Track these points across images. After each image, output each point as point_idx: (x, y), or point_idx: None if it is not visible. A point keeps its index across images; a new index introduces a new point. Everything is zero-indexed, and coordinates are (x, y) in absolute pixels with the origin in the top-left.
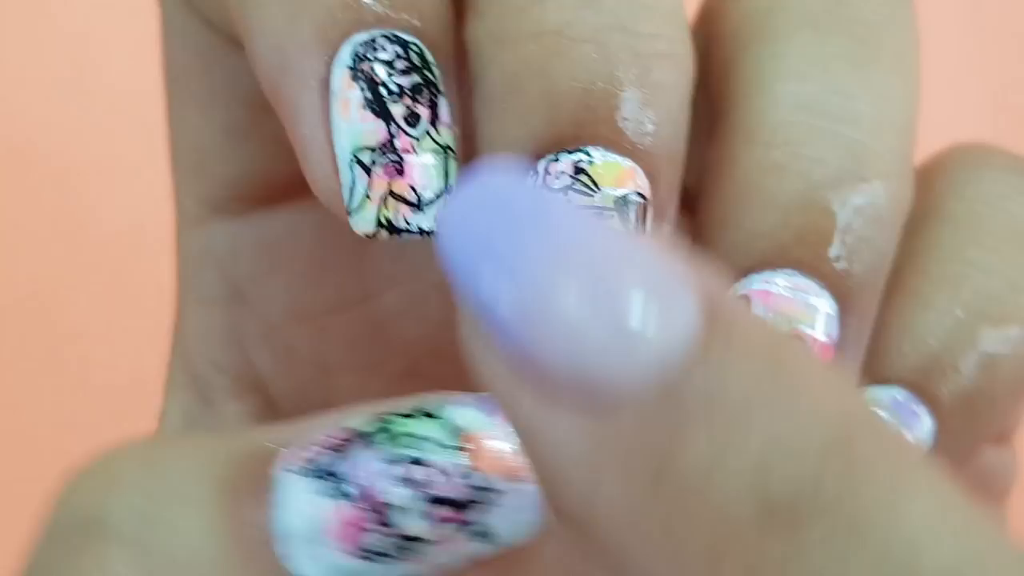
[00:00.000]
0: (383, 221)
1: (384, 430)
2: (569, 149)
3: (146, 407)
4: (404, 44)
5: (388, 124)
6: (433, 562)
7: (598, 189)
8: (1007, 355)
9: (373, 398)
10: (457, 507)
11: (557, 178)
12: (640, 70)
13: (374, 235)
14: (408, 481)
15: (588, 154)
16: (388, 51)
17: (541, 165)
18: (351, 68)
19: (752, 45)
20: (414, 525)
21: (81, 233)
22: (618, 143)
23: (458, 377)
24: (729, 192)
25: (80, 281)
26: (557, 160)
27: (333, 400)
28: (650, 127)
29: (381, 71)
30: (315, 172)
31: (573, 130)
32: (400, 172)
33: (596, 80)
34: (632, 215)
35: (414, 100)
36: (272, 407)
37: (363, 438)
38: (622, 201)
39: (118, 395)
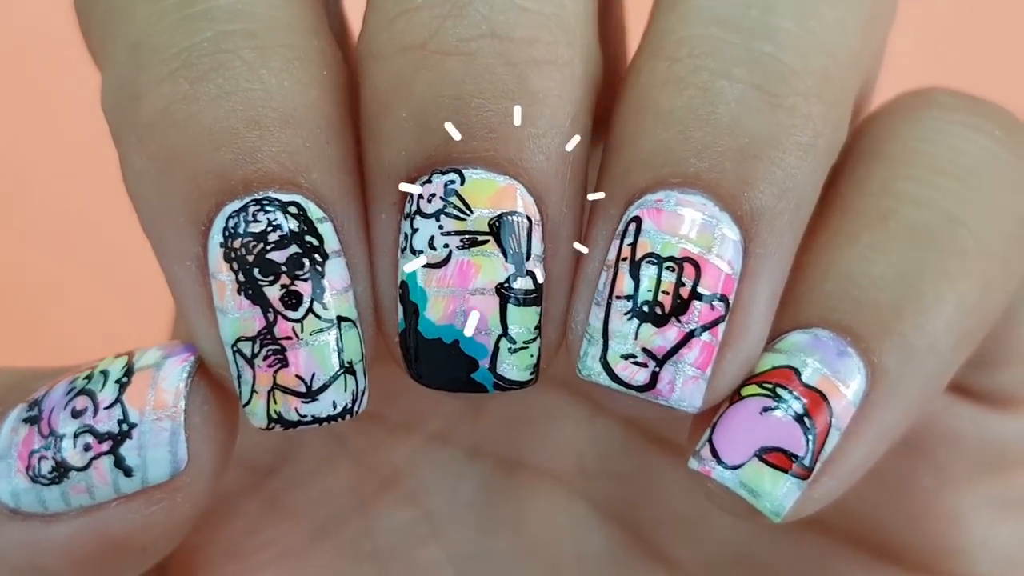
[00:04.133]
0: (274, 415)
1: (92, 367)
2: (442, 170)
3: None
4: (282, 207)
5: (265, 311)
6: (83, 491)
7: (470, 212)
8: (947, 295)
9: None
10: (100, 437)
11: (429, 202)
12: (515, 80)
13: (269, 429)
14: (73, 410)
15: (460, 173)
16: (260, 221)
17: (415, 189)
18: (222, 246)
19: None
20: (68, 451)
21: (69, 225)
22: (493, 161)
23: None
24: (628, 108)
25: (69, 273)
26: (430, 181)
27: None
28: (529, 141)
29: (253, 249)
30: (208, 359)
31: (444, 148)
32: (283, 363)
33: (465, 95)
34: (515, 237)
35: (292, 278)
36: None
37: (75, 373)
38: (499, 222)
39: None
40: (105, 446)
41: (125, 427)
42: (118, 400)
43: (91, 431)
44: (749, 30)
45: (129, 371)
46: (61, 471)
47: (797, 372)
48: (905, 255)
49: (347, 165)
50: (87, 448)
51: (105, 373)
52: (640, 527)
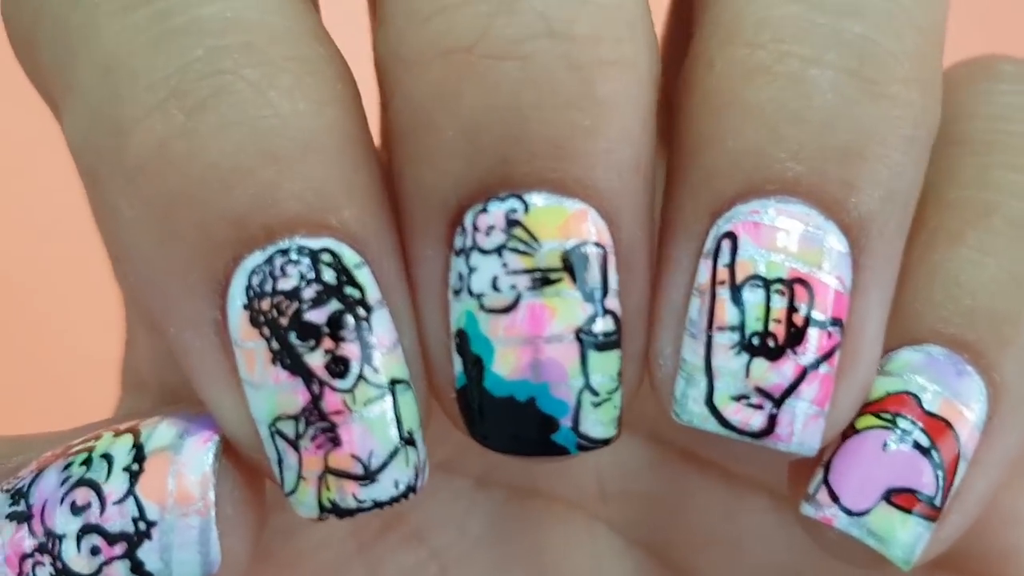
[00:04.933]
0: (327, 504)
1: (89, 448)
2: (500, 196)
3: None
4: (313, 256)
5: (308, 382)
6: None
7: (538, 244)
8: None
9: None
10: (111, 539)
11: (488, 235)
12: (580, 85)
13: (321, 520)
14: (72, 505)
15: (523, 200)
16: (291, 275)
17: (468, 219)
18: (247, 307)
19: None
20: (71, 556)
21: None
22: (560, 183)
23: None
24: (705, 105)
25: (45, 269)
26: (486, 211)
27: None
28: (600, 157)
29: (286, 310)
30: (236, 442)
31: (501, 171)
32: (335, 442)
33: (523, 106)
34: (591, 270)
35: (336, 339)
36: None
37: (67, 456)
38: (572, 255)
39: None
40: (119, 549)
41: (142, 526)
42: (130, 493)
43: (99, 531)
44: (835, 7)
45: (139, 455)
46: None
47: (916, 398)
48: (1017, 255)
49: (379, 195)
50: (95, 551)
51: (108, 458)
52: (669, 553)
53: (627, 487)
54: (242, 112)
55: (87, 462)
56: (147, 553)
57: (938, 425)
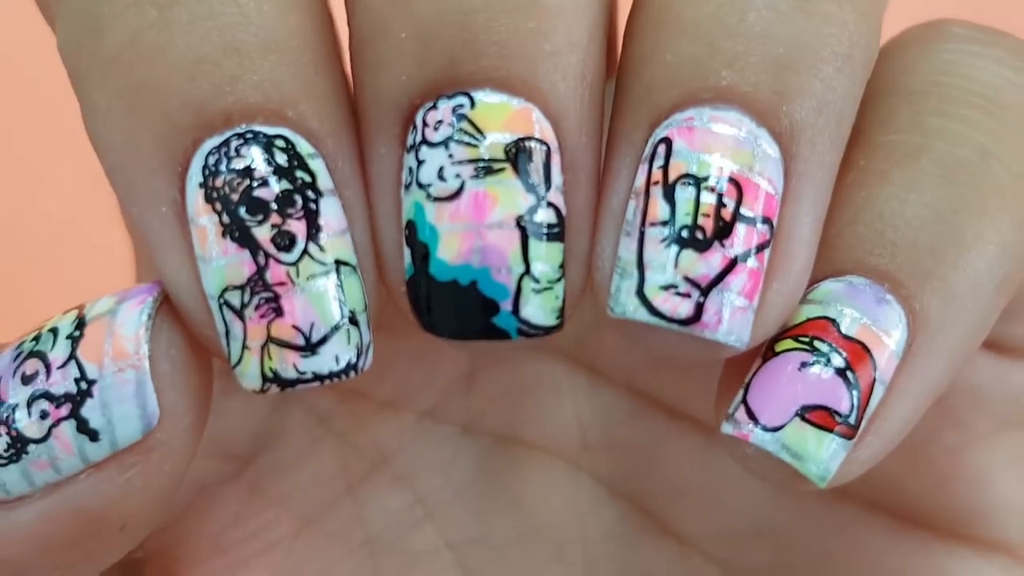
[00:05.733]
0: (269, 374)
1: (40, 327)
2: (448, 94)
3: None
4: (267, 140)
5: (254, 254)
6: (46, 465)
7: (483, 136)
8: (987, 234)
9: None
10: (57, 401)
11: (436, 129)
12: None
13: (263, 391)
14: (23, 376)
15: (469, 96)
16: (245, 156)
17: (419, 117)
18: (202, 186)
19: None
20: (23, 422)
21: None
22: (505, 81)
23: None
24: (646, 21)
25: (36, 269)
26: (435, 107)
27: None
28: (544, 58)
29: (238, 187)
30: (189, 319)
31: (450, 71)
32: (278, 312)
33: (471, 10)
34: (533, 165)
35: (284, 216)
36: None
37: (21, 337)
38: (515, 147)
39: None
40: (64, 410)
41: (84, 385)
42: (72, 356)
43: (46, 395)
44: None
45: (81, 324)
46: (19, 446)
47: (835, 323)
48: (940, 193)
49: (338, 96)
50: (44, 415)
51: (54, 331)
52: (648, 502)
53: (608, 438)
54: (209, 9)
55: (36, 338)
56: (90, 410)
57: (855, 348)
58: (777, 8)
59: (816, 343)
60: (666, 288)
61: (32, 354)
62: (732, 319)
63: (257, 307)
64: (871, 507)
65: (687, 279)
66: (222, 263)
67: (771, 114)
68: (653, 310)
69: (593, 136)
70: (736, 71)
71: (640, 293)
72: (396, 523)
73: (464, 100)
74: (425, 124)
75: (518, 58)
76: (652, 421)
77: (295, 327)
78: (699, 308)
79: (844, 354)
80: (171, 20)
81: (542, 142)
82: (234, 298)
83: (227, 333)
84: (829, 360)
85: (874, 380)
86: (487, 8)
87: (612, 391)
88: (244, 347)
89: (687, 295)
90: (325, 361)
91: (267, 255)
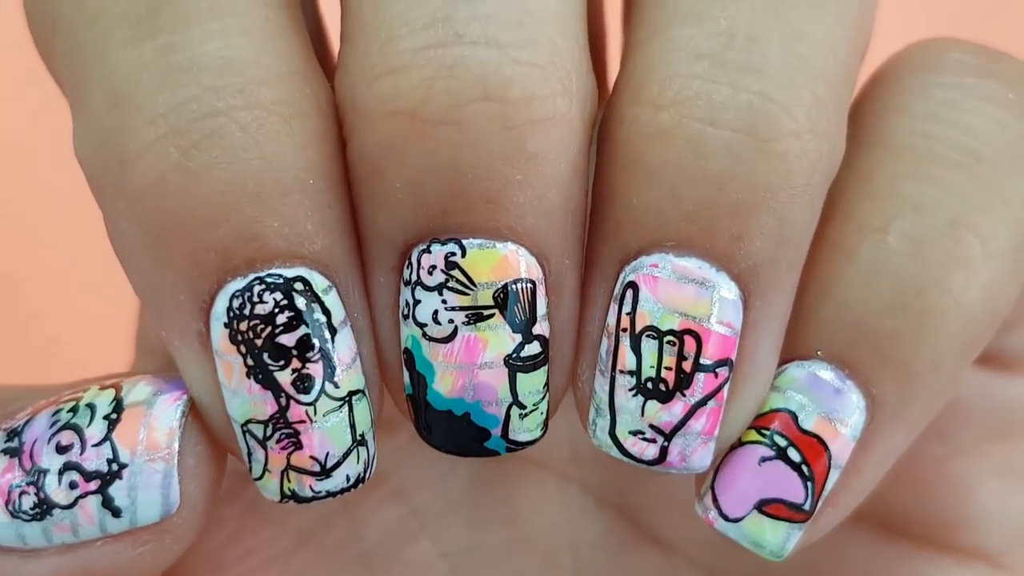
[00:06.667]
0: (288, 492)
1: (77, 399)
2: (440, 239)
3: None
4: (287, 287)
5: (276, 395)
6: (67, 529)
7: (474, 287)
8: (949, 312)
9: None
10: (88, 476)
11: (430, 274)
12: (513, 143)
13: (282, 503)
14: (58, 445)
15: (460, 244)
16: (267, 302)
17: (414, 255)
18: (227, 327)
19: None
20: (52, 488)
21: (47, 213)
22: (495, 230)
23: None
24: (614, 161)
25: (47, 260)
26: (429, 251)
27: None
28: (530, 205)
29: (261, 332)
30: (215, 431)
31: (442, 219)
32: (297, 446)
33: (460, 165)
34: (520, 305)
35: (303, 360)
36: None
37: (57, 404)
38: (503, 293)
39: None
40: (93, 485)
41: (115, 467)
42: (107, 438)
43: (78, 468)
44: (737, 65)
45: (118, 407)
46: (44, 508)
47: (795, 416)
48: (905, 272)
49: (347, 224)
50: (73, 486)
51: (92, 407)
52: (636, 512)
53: (597, 451)
54: (232, 154)
55: (74, 410)
56: (117, 490)
57: (811, 442)
58: (735, 151)
59: (776, 438)
60: (634, 433)
61: (68, 426)
62: (693, 456)
63: (279, 440)
64: (855, 516)
65: (652, 426)
66: (246, 399)
67: (729, 258)
68: (624, 451)
69: (575, 256)
70: (695, 222)
71: (612, 434)
72: (391, 536)
73: (456, 248)
74: (420, 265)
75: (507, 209)
76: None
77: (313, 457)
78: (664, 451)
79: (800, 450)
80: (196, 164)
81: (529, 280)
82: (257, 430)
83: (249, 453)
84: (787, 454)
85: (829, 468)
86: (476, 163)
87: None
88: (266, 469)
89: (653, 440)
90: (337, 482)
91: (288, 396)
